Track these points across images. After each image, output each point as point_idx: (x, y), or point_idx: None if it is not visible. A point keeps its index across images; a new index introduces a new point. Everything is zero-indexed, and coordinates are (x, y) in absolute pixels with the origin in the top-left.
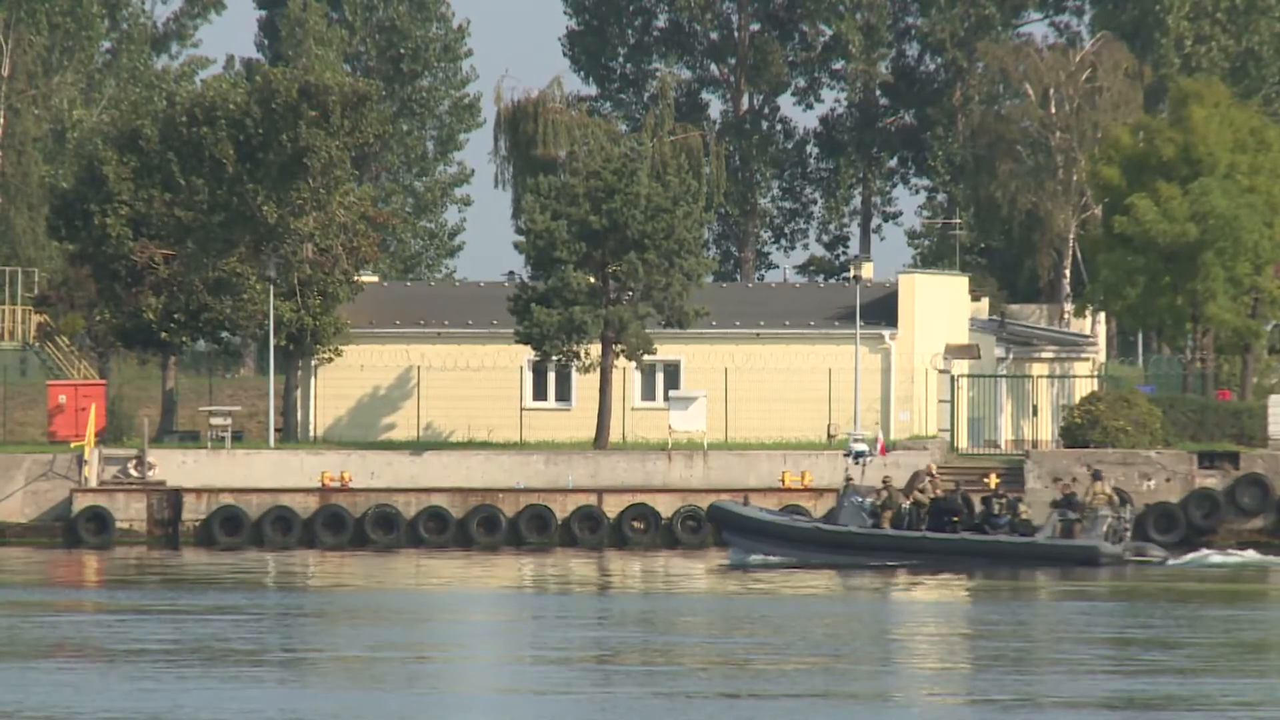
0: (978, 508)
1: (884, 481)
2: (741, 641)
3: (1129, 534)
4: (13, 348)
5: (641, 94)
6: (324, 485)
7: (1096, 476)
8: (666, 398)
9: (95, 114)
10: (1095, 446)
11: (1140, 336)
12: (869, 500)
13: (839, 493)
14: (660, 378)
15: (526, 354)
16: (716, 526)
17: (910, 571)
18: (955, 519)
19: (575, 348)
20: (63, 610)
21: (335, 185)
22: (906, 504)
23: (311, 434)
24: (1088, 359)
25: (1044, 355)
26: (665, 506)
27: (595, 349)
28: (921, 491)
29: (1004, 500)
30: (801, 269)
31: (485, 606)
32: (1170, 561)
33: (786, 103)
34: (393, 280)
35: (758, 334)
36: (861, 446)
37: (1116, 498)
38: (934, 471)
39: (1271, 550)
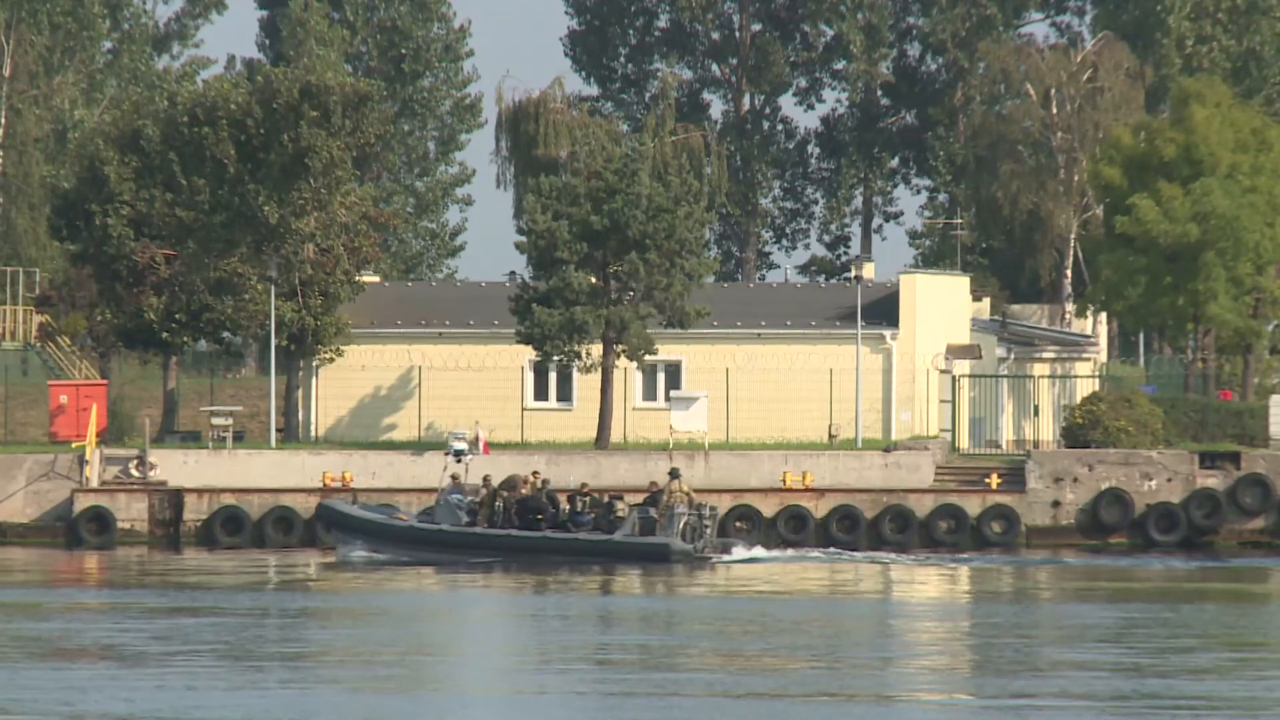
0: (565, 506)
1: (484, 480)
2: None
3: (710, 532)
4: (14, 348)
5: (643, 94)
6: (325, 485)
7: (674, 476)
8: (668, 398)
9: (96, 114)
10: (1096, 446)
11: (1141, 337)
12: (469, 499)
13: (439, 491)
14: (661, 378)
15: (528, 354)
16: (324, 525)
17: (501, 569)
18: (540, 517)
19: (576, 348)
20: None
21: (336, 185)
22: (501, 503)
23: (313, 434)
24: (1089, 359)
25: (1045, 355)
26: None
27: (596, 349)
28: (511, 490)
29: (587, 499)
30: (803, 269)
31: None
32: (727, 559)
33: (788, 103)
34: (394, 280)
35: (759, 334)
36: (461, 445)
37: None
38: (532, 477)
39: (1273, 551)
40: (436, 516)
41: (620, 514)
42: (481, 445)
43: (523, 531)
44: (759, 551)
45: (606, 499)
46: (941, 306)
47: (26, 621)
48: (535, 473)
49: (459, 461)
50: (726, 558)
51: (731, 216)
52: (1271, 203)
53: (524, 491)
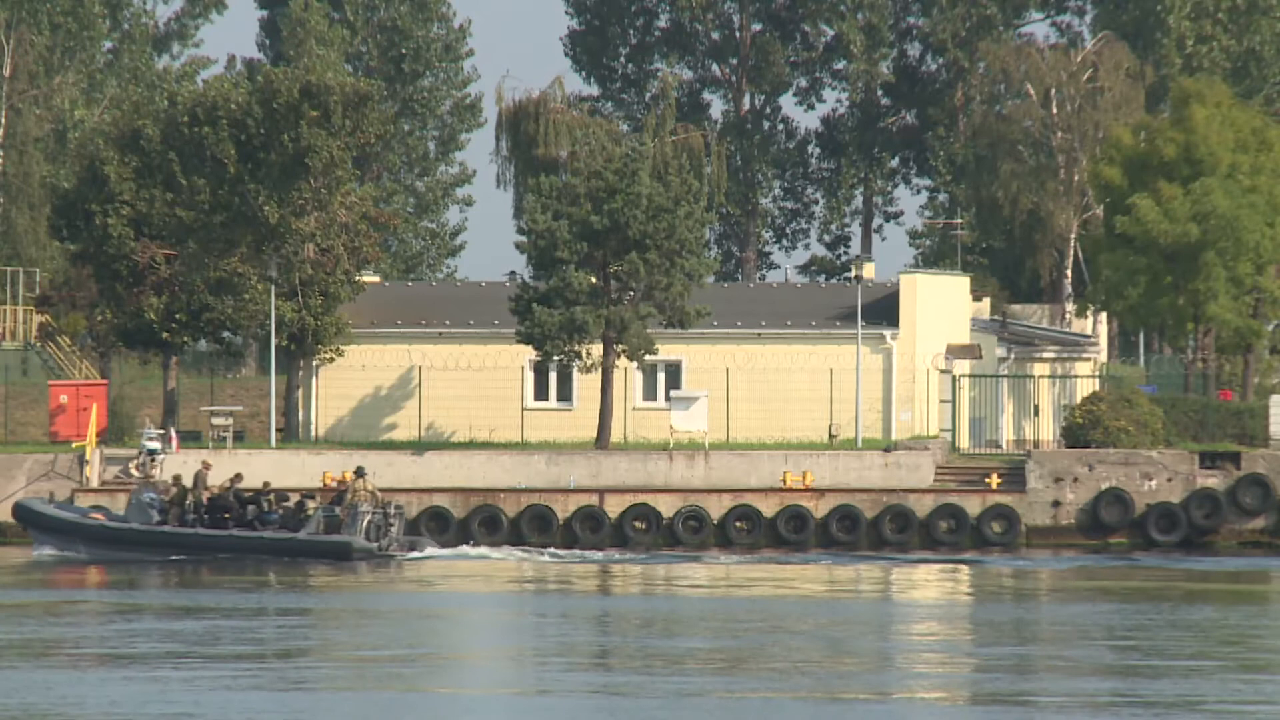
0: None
1: (174, 479)
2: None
3: (394, 529)
4: (14, 348)
5: (643, 94)
6: (325, 485)
7: (359, 474)
8: (668, 398)
9: (97, 114)
10: (1097, 446)
11: (1141, 336)
12: (160, 497)
13: (132, 490)
14: (661, 378)
15: (528, 354)
16: (21, 524)
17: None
18: (227, 515)
19: (577, 348)
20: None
21: (337, 185)
22: (190, 501)
23: (313, 434)
24: (1089, 359)
25: (1045, 355)
26: (667, 506)
27: (596, 349)
28: (207, 489)
29: (270, 497)
30: (803, 269)
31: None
32: (416, 556)
33: (788, 103)
34: (394, 280)
35: (759, 334)
36: (154, 444)
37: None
38: (208, 468)
39: (1273, 551)
40: (128, 515)
41: (311, 513)
42: (173, 443)
43: (210, 530)
44: (431, 548)
45: (298, 498)
46: (941, 306)
47: (27, 622)
48: (207, 465)
49: (153, 460)
50: (412, 555)
51: (731, 216)
52: (1271, 203)
53: (206, 486)
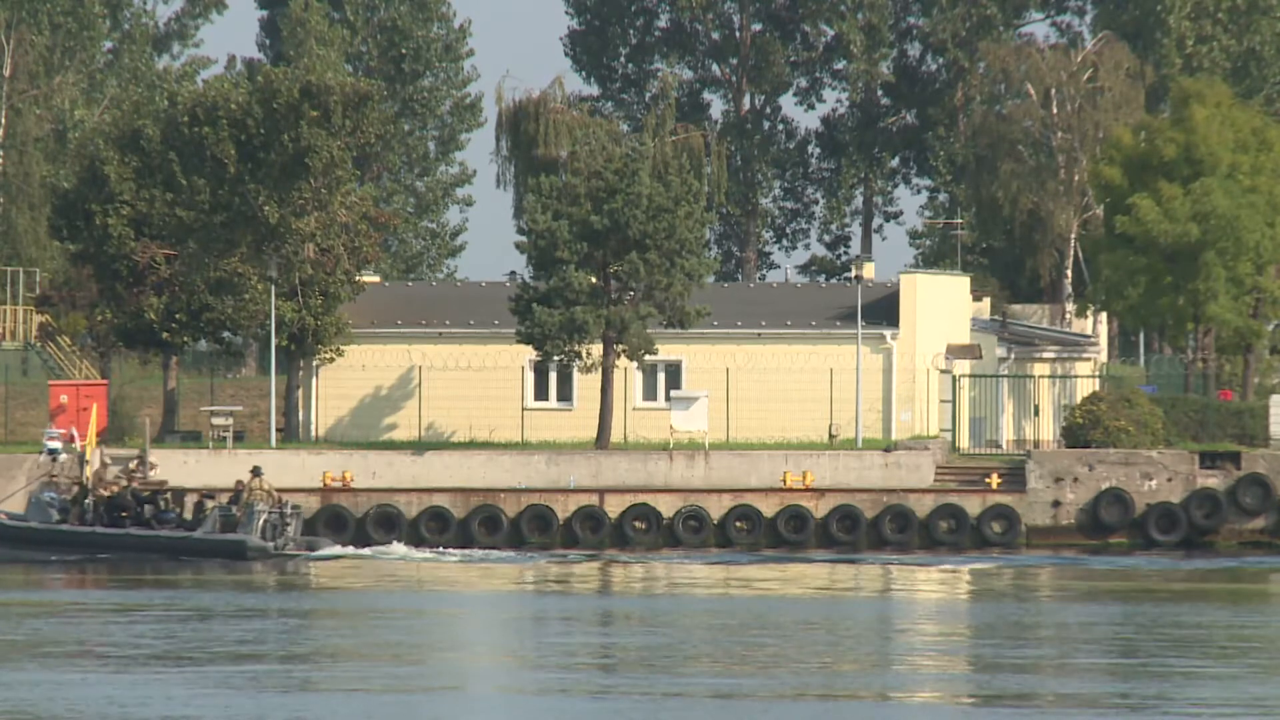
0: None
1: (73, 479)
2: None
3: (291, 529)
4: (14, 348)
5: (643, 94)
6: (325, 485)
7: (256, 473)
8: (668, 398)
9: (97, 114)
10: (1097, 446)
11: (1142, 336)
12: (62, 497)
13: (34, 490)
14: (662, 378)
15: (528, 354)
16: None
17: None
18: (125, 515)
19: (577, 348)
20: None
21: (337, 185)
22: (90, 500)
23: (313, 434)
24: (1089, 359)
25: (1045, 355)
26: (667, 506)
27: (597, 349)
28: (106, 488)
29: (167, 496)
30: (803, 269)
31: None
32: (324, 554)
33: (788, 103)
34: (394, 280)
35: (759, 334)
36: (55, 444)
37: (277, 494)
38: (105, 466)
39: (1273, 551)
40: (27, 514)
41: (209, 511)
42: (78, 443)
43: (107, 529)
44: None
45: (198, 498)
46: (941, 306)
47: (26, 623)
48: (107, 464)
49: (54, 461)
50: (311, 554)
51: (731, 216)
52: (1271, 203)
53: (104, 484)
